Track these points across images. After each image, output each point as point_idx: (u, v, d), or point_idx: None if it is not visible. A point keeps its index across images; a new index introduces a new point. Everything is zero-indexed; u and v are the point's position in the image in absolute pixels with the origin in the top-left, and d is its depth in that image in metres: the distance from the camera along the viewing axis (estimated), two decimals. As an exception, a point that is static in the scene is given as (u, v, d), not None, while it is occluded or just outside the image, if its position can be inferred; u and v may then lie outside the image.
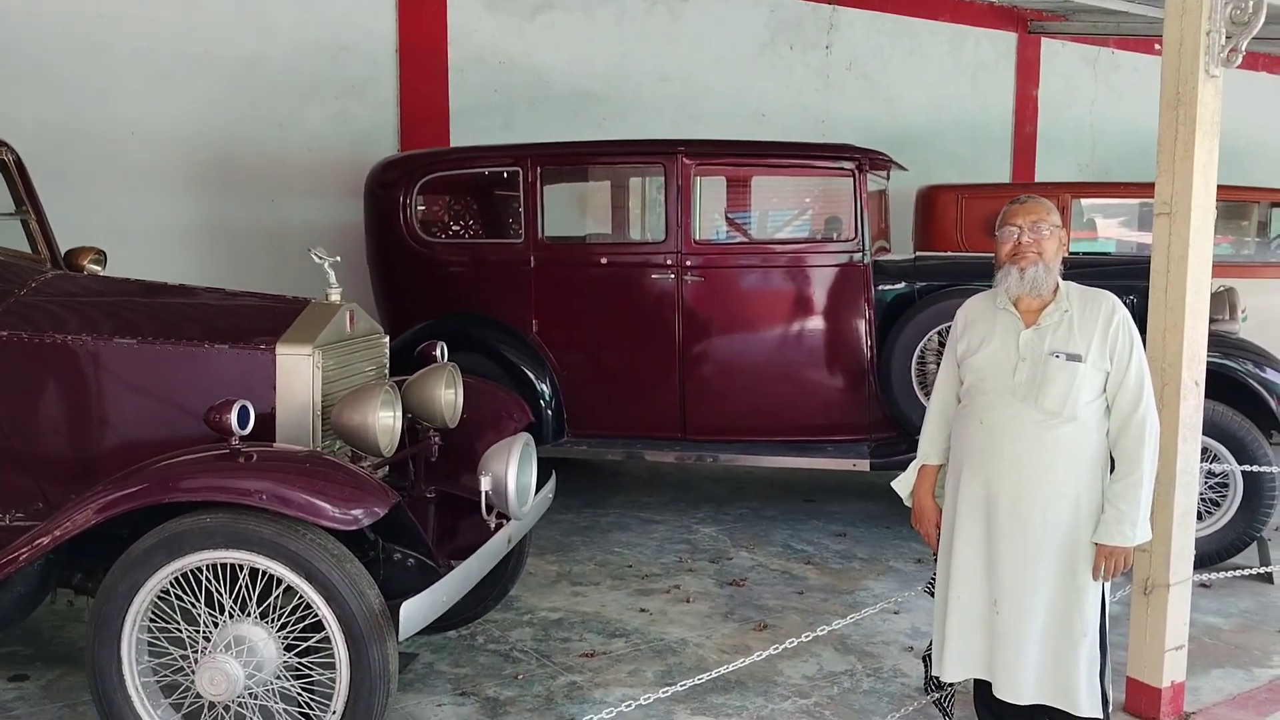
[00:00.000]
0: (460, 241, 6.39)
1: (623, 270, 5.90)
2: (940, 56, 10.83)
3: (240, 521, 2.89)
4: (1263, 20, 3.25)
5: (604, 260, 5.96)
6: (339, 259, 3.62)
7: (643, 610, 4.67)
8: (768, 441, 5.82)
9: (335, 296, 3.58)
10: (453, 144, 7.78)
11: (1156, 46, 12.14)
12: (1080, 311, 2.91)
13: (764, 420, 5.82)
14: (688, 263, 5.77)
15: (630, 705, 3.19)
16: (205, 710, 3.04)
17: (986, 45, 11.17)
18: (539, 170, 5.88)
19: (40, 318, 3.45)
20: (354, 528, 2.87)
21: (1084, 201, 8.73)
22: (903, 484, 3.24)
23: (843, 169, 5.70)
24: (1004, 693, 2.94)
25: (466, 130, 7.91)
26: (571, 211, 7.15)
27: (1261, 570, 5.04)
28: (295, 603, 2.94)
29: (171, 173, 6.85)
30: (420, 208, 6.21)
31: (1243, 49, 3.31)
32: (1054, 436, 2.86)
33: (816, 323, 5.77)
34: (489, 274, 6.03)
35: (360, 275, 6.75)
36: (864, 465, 5.67)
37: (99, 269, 4.25)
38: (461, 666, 4.05)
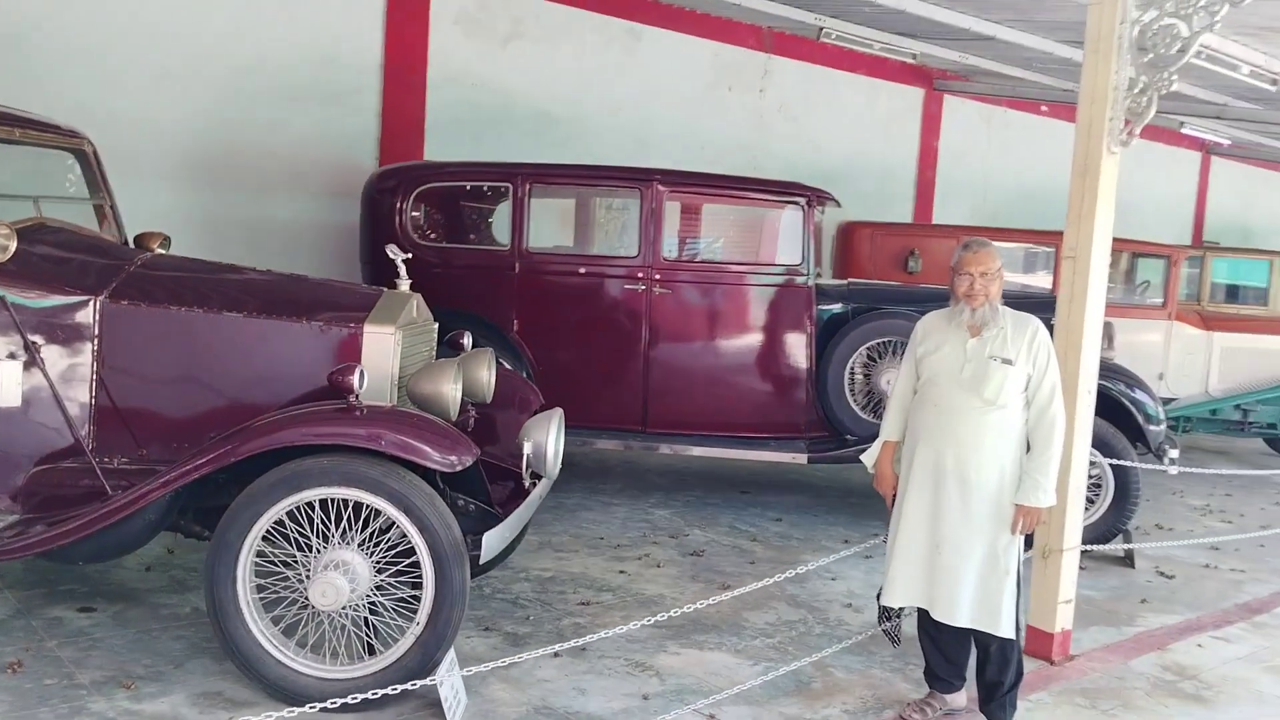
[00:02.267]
0: (451, 246, 7.06)
1: (598, 280, 6.68)
2: (858, 106, 11.93)
3: (351, 464, 3.56)
4: (1154, 112, 4.25)
5: (582, 270, 6.73)
6: (409, 255, 4.32)
7: (621, 572, 5.45)
8: (718, 436, 6.65)
9: (404, 286, 4.28)
10: (426, 155, 8.45)
11: (1043, 109, 13.70)
12: (1013, 328, 3.82)
13: (716, 417, 6.65)
14: (656, 276, 6.58)
15: (630, 629, 3.94)
16: (300, 625, 3.69)
17: (898, 98, 12.33)
18: (528, 187, 6.62)
19: (155, 290, 4.04)
20: (454, 470, 3.58)
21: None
22: (869, 456, 4.11)
23: (795, 202, 6.61)
24: (942, 616, 3.81)
25: (440, 142, 8.58)
26: (553, 225, 7.88)
27: (1125, 555, 6.11)
28: (375, 531, 3.61)
29: (167, 165, 7.32)
30: (414, 213, 6.86)
31: (1137, 133, 4.30)
32: (989, 419, 3.76)
33: (765, 334, 6.65)
34: (476, 277, 6.71)
35: (340, 269, 7.37)
36: (802, 459, 6.55)
37: (164, 252, 4.81)
38: (478, 609, 4.74)
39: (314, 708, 3.31)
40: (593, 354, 6.67)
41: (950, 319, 3.90)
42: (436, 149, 8.48)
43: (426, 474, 3.69)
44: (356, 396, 3.60)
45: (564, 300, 6.69)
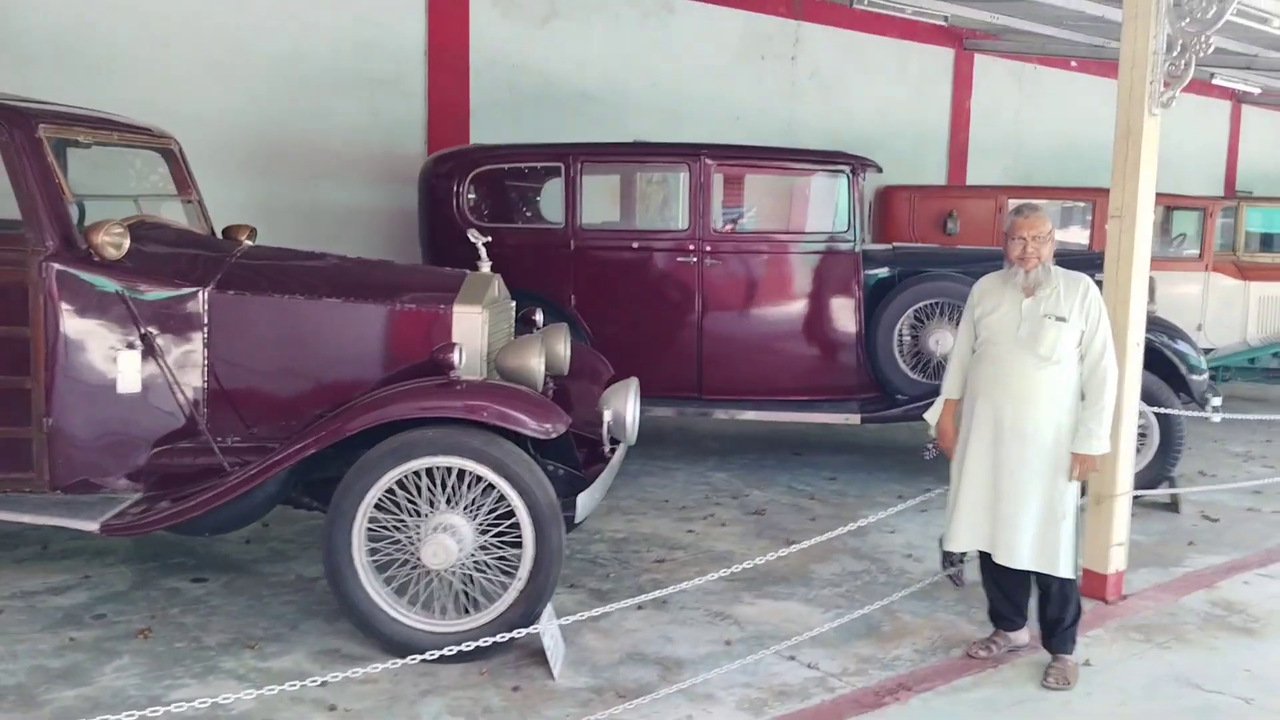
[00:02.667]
0: (509, 226, 7.31)
1: (650, 254, 6.92)
2: (889, 69, 12.06)
3: (455, 434, 3.85)
4: (1191, 75, 4.43)
5: (635, 245, 6.97)
6: (489, 239, 4.58)
7: (690, 531, 5.73)
8: (772, 400, 6.90)
9: (485, 268, 4.54)
10: (471, 138, 8.69)
11: (1073, 64, 13.69)
12: (1065, 287, 4.03)
13: (769, 382, 6.90)
14: (707, 248, 6.81)
15: (705, 582, 4.21)
16: (411, 584, 3.99)
17: (928, 60, 12.44)
18: (580, 166, 6.85)
19: (256, 279, 4.33)
20: (549, 436, 3.86)
21: (1015, 202, 9.99)
22: (932, 413, 4.34)
23: (839, 170, 6.81)
24: (1003, 559, 4.06)
25: (483, 125, 8.83)
26: (604, 201, 8.12)
27: (1170, 500, 6.33)
28: (475, 497, 3.90)
29: (222, 156, 7.56)
30: (471, 196, 7.11)
31: (1177, 95, 4.48)
32: (1045, 375, 3.98)
33: (814, 300, 6.86)
34: (534, 255, 6.96)
35: (393, 252, 7.63)
36: (855, 420, 6.79)
37: (254, 243, 5.10)
38: (563, 570, 5.00)
39: (432, 655, 3.59)
40: (648, 325, 6.90)
41: (1005, 280, 4.11)
42: (481, 132, 8.73)
43: (519, 442, 3.97)
44: (456, 371, 3.87)
45: (618, 274, 6.92)
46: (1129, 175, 4.61)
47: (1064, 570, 4.01)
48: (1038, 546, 4.02)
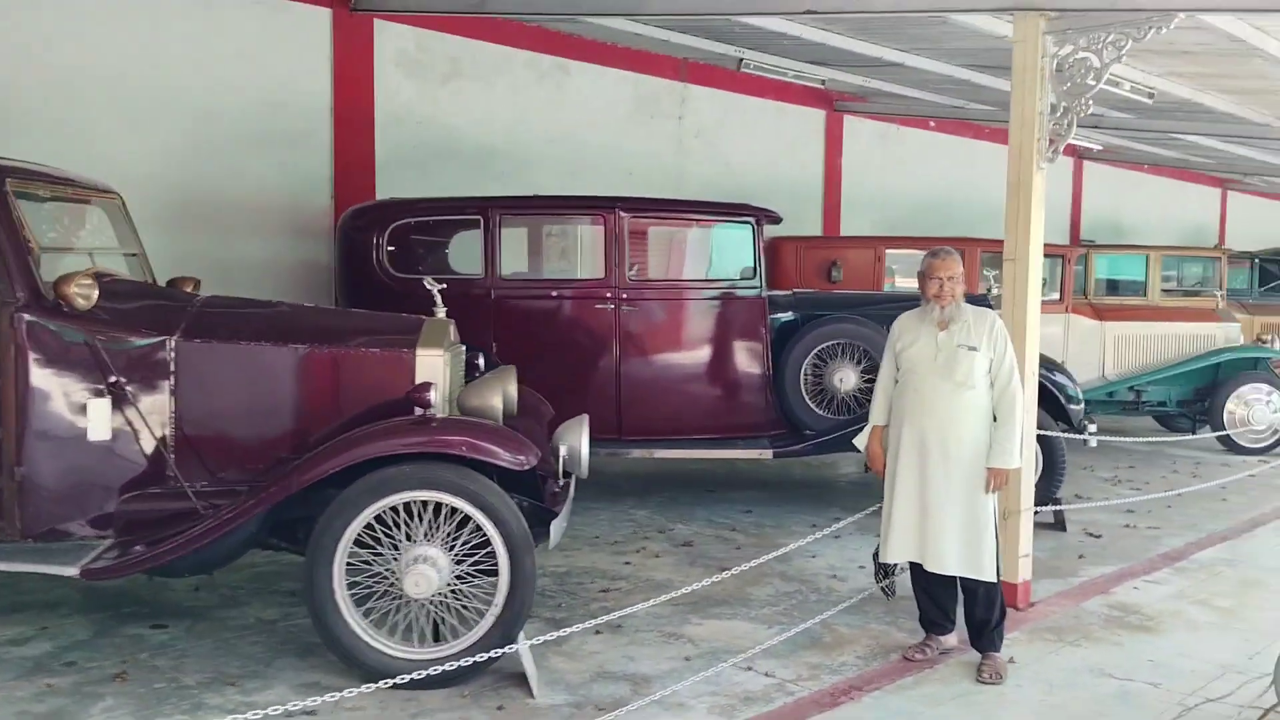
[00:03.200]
0: (424, 277, 7.47)
1: (570, 302, 7.23)
2: (766, 128, 12.75)
3: (430, 469, 4.04)
4: (1073, 134, 5.03)
5: (553, 293, 7.27)
6: (444, 286, 4.81)
7: (626, 563, 5.99)
8: (689, 438, 7.24)
9: (441, 314, 4.77)
10: (378, 192, 8.87)
11: (931, 124, 14.71)
12: (974, 321, 4.52)
13: (685, 421, 7.24)
14: (623, 295, 7.15)
15: (653, 607, 4.50)
16: (389, 615, 4.14)
17: (802, 120, 13.19)
18: (498, 218, 7.13)
19: (220, 328, 4.45)
20: (523, 468, 4.09)
21: (892, 252, 10.72)
22: (861, 439, 4.75)
23: (746, 221, 7.27)
24: (934, 566, 4.47)
25: (389, 179, 9.00)
26: (522, 252, 8.38)
27: (1055, 519, 6.92)
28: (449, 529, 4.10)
29: (139, 211, 7.55)
30: (390, 248, 7.28)
31: (1060, 151, 5.08)
32: (961, 399, 4.44)
33: (725, 344, 7.28)
34: (454, 304, 7.08)
35: (308, 302, 7.70)
36: (767, 454, 7.19)
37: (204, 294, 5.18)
38: (510, 603, 5.21)
39: (419, 675, 3.74)
40: (568, 369, 7.17)
41: (921, 317, 4.58)
42: (387, 186, 8.90)
43: (488, 475, 4.19)
44: (433, 409, 4.08)
45: (538, 322, 7.20)
46: (1021, 223, 5.18)
47: (988, 574, 4.44)
48: (964, 554, 4.45)
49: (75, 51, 7.17)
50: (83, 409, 4.12)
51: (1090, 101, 4.98)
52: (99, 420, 4.15)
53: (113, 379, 4.16)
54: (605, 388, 7.16)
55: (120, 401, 4.19)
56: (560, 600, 5.29)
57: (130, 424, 4.22)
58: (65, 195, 4.63)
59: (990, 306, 5.32)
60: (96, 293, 4.14)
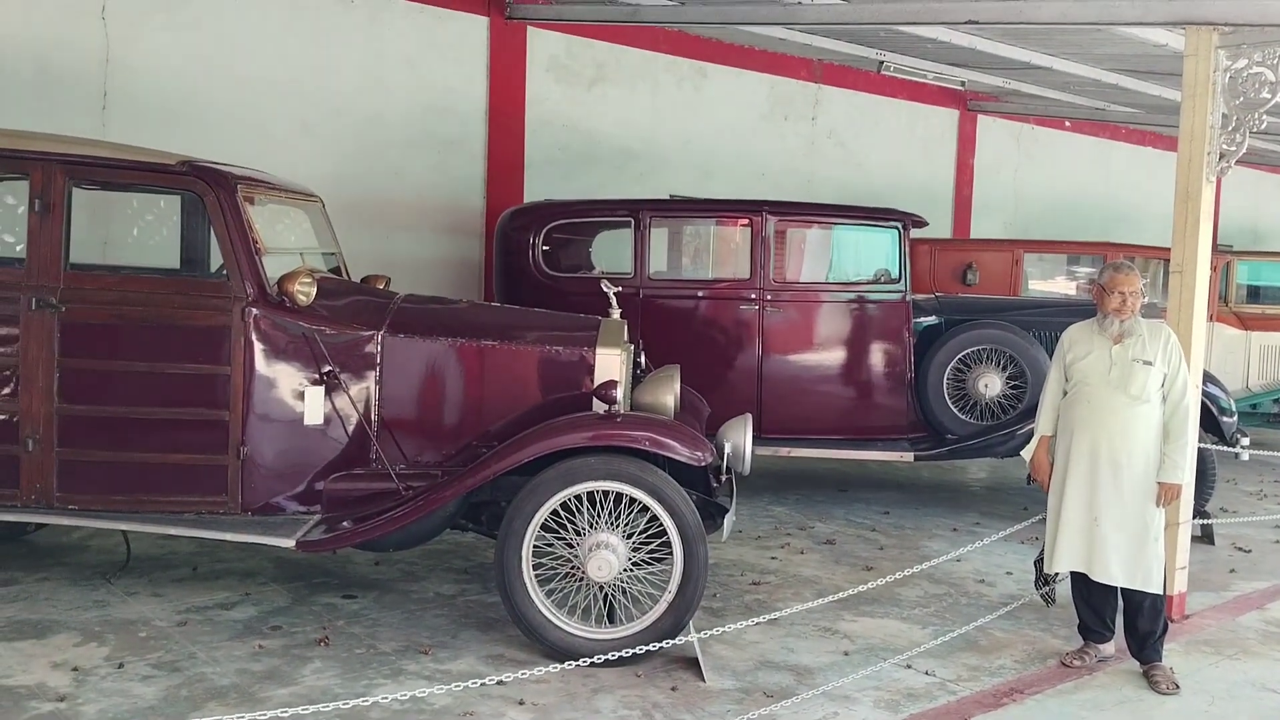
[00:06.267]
0: (580, 276, 7.79)
1: (715, 302, 7.43)
2: (899, 129, 12.76)
3: (614, 462, 4.30)
4: (1245, 148, 5.02)
5: (700, 294, 7.48)
6: (619, 288, 5.07)
7: (773, 558, 6.18)
8: (828, 437, 7.39)
9: (616, 315, 5.02)
10: (526, 194, 9.22)
11: (1066, 124, 14.49)
12: (1149, 335, 4.57)
13: (826, 422, 7.39)
14: (768, 296, 7.33)
15: (807, 606, 4.68)
16: (570, 595, 4.41)
17: (935, 120, 13.16)
18: (648, 220, 7.38)
19: (420, 324, 4.78)
20: (700, 464, 4.32)
21: (1030, 255, 10.65)
22: (1027, 450, 4.84)
23: (892, 226, 7.37)
24: (1100, 576, 4.55)
25: (536, 182, 9.36)
26: (670, 251, 8.65)
27: (1203, 532, 6.86)
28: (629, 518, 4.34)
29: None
30: (545, 248, 7.59)
31: (1231, 164, 5.08)
32: (1135, 413, 4.51)
33: (868, 346, 7.40)
34: (604, 303, 7.44)
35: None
36: (908, 457, 7.29)
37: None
38: (668, 591, 5.45)
39: (600, 659, 4.01)
40: (712, 368, 7.37)
41: (1093, 329, 4.65)
42: (534, 187, 9.27)
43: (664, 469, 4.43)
44: (618, 405, 4.33)
45: (683, 320, 7.42)
46: (1189, 235, 5.19)
47: (1156, 587, 4.51)
48: (1131, 566, 4.52)
49: (257, 61, 7.70)
50: (300, 395, 4.50)
51: (1264, 116, 4.96)
52: (314, 406, 4.51)
53: (327, 369, 4.53)
54: (747, 386, 7.34)
55: (332, 389, 4.55)
56: (715, 591, 5.50)
57: (339, 410, 4.58)
58: (279, 199, 5.00)
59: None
60: (315, 290, 4.51)
